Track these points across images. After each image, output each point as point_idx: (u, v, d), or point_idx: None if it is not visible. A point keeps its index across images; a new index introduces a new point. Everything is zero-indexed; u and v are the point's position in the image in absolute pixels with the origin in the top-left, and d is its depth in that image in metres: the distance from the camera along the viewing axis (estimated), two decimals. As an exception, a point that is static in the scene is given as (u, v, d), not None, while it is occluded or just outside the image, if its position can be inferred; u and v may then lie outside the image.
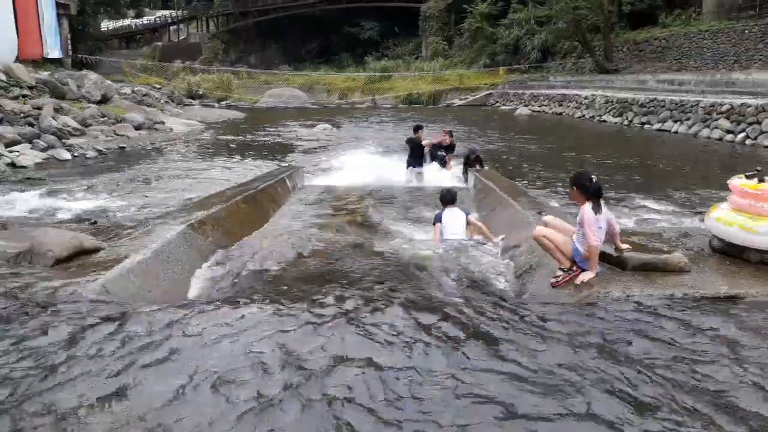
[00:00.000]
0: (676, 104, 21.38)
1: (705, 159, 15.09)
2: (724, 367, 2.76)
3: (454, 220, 6.22)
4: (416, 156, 11.04)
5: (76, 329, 3.00)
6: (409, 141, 11.22)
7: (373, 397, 2.42)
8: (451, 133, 11.89)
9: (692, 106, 20.35)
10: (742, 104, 18.14)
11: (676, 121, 20.87)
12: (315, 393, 2.44)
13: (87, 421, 2.21)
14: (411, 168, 11.02)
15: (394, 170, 11.35)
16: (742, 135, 17.38)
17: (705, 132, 18.98)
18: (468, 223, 6.29)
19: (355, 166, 12.49)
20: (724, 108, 18.77)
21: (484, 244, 5.98)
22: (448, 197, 6.40)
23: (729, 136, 17.92)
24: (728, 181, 4.49)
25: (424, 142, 10.96)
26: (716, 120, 18.80)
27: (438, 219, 6.29)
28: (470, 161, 11.10)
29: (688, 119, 20.25)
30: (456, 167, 11.44)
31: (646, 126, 22.51)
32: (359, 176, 11.04)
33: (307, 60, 57.54)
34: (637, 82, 29.75)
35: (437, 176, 10.76)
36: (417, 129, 11.28)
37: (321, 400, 2.39)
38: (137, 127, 18.50)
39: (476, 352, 2.87)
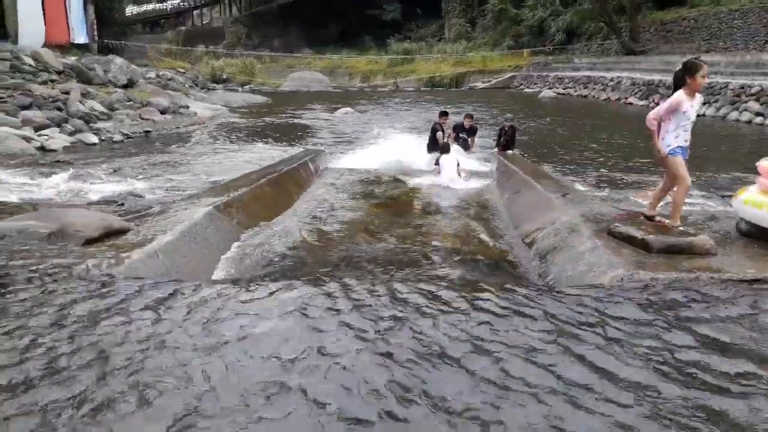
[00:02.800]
0: (704, 86, 20.95)
1: (733, 142, 14.82)
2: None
3: (449, 164, 9.02)
4: (437, 140, 11.00)
5: (105, 305, 3.08)
6: (434, 126, 11.20)
7: (391, 382, 2.45)
8: (472, 117, 11.83)
9: (721, 89, 19.97)
10: (773, 86, 17.78)
11: (704, 104, 20.46)
12: (332, 374, 2.48)
13: (118, 399, 2.28)
14: (432, 153, 10.98)
15: (416, 154, 11.32)
16: (773, 117, 17.06)
17: (734, 114, 18.62)
18: (458, 166, 9.10)
19: (377, 149, 12.49)
20: (753, 90, 18.39)
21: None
22: (446, 148, 9.53)
23: (758, 119, 17.56)
24: (757, 163, 4.42)
25: (438, 134, 10.87)
26: (745, 102, 18.44)
27: (437, 162, 9.39)
28: (505, 132, 11.08)
29: (716, 101, 19.88)
30: (479, 152, 11.45)
31: (673, 108, 22.13)
32: (381, 159, 11.05)
33: (328, 43, 57.34)
34: (664, 64, 29.16)
35: (460, 159, 10.71)
36: (442, 114, 11.25)
37: (340, 383, 2.43)
38: (162, 111, 18.67)
39: (504, 336, 2.88)
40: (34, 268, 3.54)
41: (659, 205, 4.85)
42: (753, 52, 25.66)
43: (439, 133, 10.87)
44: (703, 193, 8.50)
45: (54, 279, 3.40)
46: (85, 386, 2.32)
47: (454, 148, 11.08)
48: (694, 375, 2.51)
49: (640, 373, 2.51)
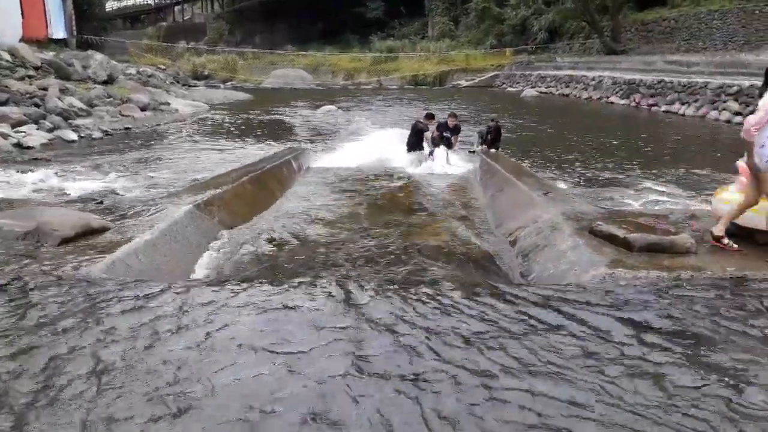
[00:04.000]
0: (684, 86, 21.18)
1: (713, 141, 14.99)
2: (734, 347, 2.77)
3: (441, 153, 10.67)
4: (419, 139, 10.99)
5: (80, 306, 3.02)
6: (416, 124, 11.20)
7: (365, 382, 2.44)
8: (455, 116, 11.83)
9: (700, 88, 20.17)
10: (751, 86, 17.94)
11: (683, 103, 20.68)
12: (313, 375, 2.46)
13: (91, 394, 2.24)
14: (413, 151, 10.96)
15: (398, 152, 11.29)
16: (751, 117, 17.26)
17: (713, 114, 18.82)
18: (448, 156, 10.72)
19: (360, 147, 12.45)
20: (732, 90, 18.59)
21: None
22: (440, 142, 10.86)
23: (737, 119, 17.74)
24: (737, 163, 4.45)
25: (426, 134, 10.90)
26: (725, 102, 18.63)
27: (431, 153, 10.71)
28: (490, 131, 11.27)
29: (696, 101, 20.07)
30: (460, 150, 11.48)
31: (654, 108, 22.33)
32: (364, 157, 11.02)
33: (312, 40, 57.03)
34: (645, 64, 29.45)
35: (444, 157, 10.72)
36: (429, 117, 11.26)
37: (318, 383, 2.41)
38: (143, 108, 18.46)
39: (478, 335, 2.87)
40: (8, 268, 3.46)
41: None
42: (732, 53, 25.98)
43: (427, 133, 10.90)
44: (684, 191, 8.57)
45: (28, 279, 3.33)
46: (53, 386, 2.27)
47: (440, 148, 11.14)
48: (672, 372, 2.51)
49: (619, 371, 2.51)
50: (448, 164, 10.54)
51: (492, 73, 42.84)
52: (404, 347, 2.68)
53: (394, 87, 42.61)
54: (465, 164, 10.61)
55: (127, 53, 42.22)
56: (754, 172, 4.02)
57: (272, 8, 57.10)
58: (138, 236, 4.22)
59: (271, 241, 5.31)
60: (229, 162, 10.94)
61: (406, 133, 11.45)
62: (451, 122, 11.39)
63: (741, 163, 4.39)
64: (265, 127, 18.56)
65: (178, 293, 3.26)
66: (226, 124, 18.98)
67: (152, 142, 14.08)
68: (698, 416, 2.20)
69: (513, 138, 15.38)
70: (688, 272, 3.72)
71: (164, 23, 64.57)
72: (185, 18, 68.26)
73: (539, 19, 42.62)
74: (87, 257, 3.69)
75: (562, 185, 8.62)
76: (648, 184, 9.18)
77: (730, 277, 3.68)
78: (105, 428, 2.05)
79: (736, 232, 4.42)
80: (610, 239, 4.32)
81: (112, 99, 18.22)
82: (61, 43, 29.10)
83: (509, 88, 38.57)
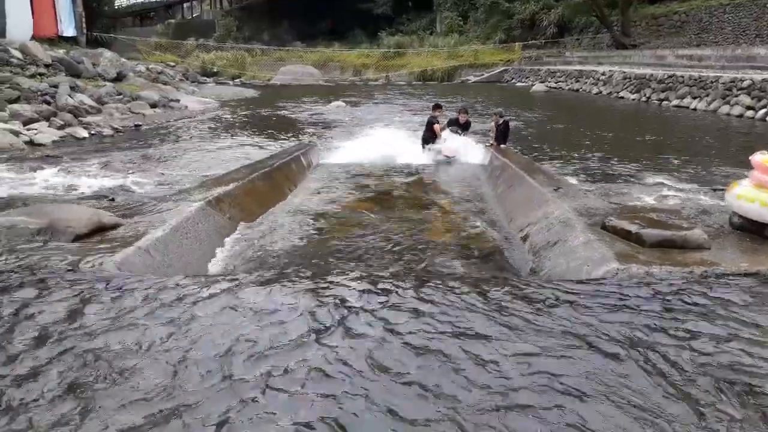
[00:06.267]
0: (696, 80, 21.02)
1: (725, 136, 14.87)
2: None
3: (453, 140, 10.69)
4: (433, 133, 10.96)
5: (95, 301, 3.04)
6: (430, 119, 11.18)
7: (383, 386, 2.44)
8: (466, 111, 11.79)
9: (712, 82, 20.01)
10: (763, 80, 17.81)
11: (695, 98, 20.53)
12: (328, 368, 2.46)
13: (104, 389, 2.25)
14: (428, 146, 10.94)
15: (408, 147, 11.28)
16: (763, 111, 17.10)
17: (725, 108, 18.66)
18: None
19: (371, 143, 12.42)
20: (744, 84, 18.43)
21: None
22: (454, 132, 10.92)
23: (749, 113, 17.62)
24: (750, 157, 4.41)
25: (435, 126, 10.88)
26: (736, 96, 18.48)
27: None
28: (499, 126, 11.02)
29: (707, 95, 19.92)
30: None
31: (665, 102, 22.18)
32: (374, 153, 10.99)
33: (320, 36, 57.05)
34: (656, 58, 29.28)
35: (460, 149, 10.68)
36: (436, 107, 11.25)
37: (333, 377, 2.41)
38: (152, 105, 18.56)
39: (490, 331, 2.87)
40: (24, 264, 3.49)
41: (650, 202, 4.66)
42: (744, 46, 25.75)
43: (437, 125, 10.88)
44: (696, 186, 8.52)
45: (43, 275, 3.36)
46: (68, 382, 2.29)
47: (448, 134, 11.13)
48: (687, 368, 2.50)
49: (631, 370, 2.50)
50: (459, 152, 10.49)
51: (501, 69, 42.75)
52: (420, 344, 2.68)
53: (403, 83, 42.57)
54: (475, 156, 10.52)
55: (136, 50, 42.43)
56: None
57: (280, 4, 57.14)
58: (150, 232, 4.23)
59: (282, 237, 5.33)
60: (239, 158, 10.96)
61: (414, 128, 11.43)
62: (462, 118, 11.35)
63: (755, 158, 4.36)
64: (275, 123, 18.59)
65: (190, 289, 3.27)
66: (236, 121, 19.03)
67: (162, 139, 14.14)
68: (706, 412, 2.19)
69: (523, 133, 15.33)
70: (701, 268, 3.69)
71: (173, 20, 64.75)
72: (194, 15, 68.39)
73: (548, 13, 42.48)
74: (101, 253, 3.71)
75: (572, 180, 8.58)
76: (659, 178, 9.12)
77: (744, 273, 3.65)
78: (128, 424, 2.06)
79: (748, 227, 4.39)
80: (623, 235, 4.29)
81: (122, 96, 18.32)
82: (72, 41, 29.32)
83: (518, 83, 38.46)
